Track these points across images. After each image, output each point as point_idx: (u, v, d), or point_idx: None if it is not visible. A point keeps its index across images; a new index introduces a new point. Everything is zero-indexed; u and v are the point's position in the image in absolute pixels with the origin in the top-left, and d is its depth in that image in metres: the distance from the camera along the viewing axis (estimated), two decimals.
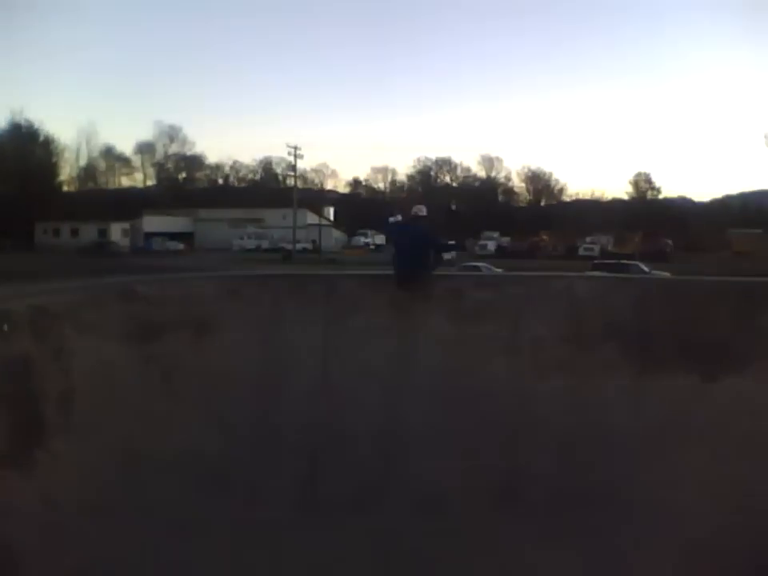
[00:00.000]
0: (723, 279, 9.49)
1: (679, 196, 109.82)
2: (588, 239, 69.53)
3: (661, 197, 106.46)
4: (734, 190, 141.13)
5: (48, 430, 6.45)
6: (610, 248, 63.42)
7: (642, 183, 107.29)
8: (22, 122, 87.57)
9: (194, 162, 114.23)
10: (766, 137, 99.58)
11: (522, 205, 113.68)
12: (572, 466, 7.24)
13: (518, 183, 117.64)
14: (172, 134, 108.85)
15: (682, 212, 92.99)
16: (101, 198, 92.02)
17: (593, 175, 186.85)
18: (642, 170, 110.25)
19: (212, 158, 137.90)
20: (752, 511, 6.51)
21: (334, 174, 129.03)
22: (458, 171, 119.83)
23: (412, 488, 6.82)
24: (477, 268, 34.60)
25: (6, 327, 6.76)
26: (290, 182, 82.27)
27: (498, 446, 7.48)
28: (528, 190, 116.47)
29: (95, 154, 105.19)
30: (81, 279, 12.20)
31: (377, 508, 6.51)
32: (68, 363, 7.11)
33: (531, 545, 5.92)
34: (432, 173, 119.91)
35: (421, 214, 9.53)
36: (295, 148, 68.14)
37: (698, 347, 7.97)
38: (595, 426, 7.58)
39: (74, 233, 77.77)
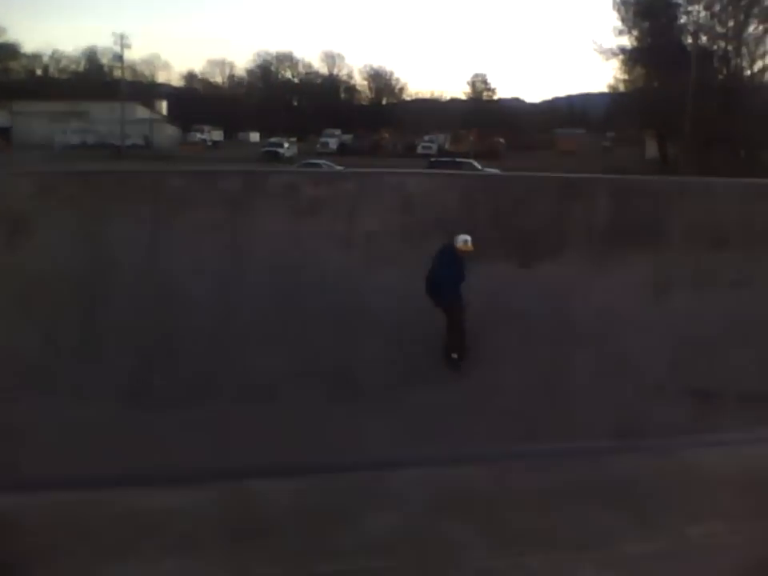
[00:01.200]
0: (540, 175, 10.09)
1: (513, 97, 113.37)
2: (426, 138, 70.55)
3: (496, 98, 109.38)
4: (563, 92, 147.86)
5: None
6: (447, 146, 64.83)
7: (479, 84, 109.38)
8: None
9: (7, 51, 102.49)
10: (594, 42, 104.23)
11: (363, 103, 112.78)
12: (400, 350, 7.63)
13: (359, 81, 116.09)
14: None
15: (514, 113, 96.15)
16: None
17: (433, 76, 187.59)
18: (480, 72, 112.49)
19: (29, 47, 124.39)
20: (558, 385, 7.26)
21: (166, 65, 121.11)
22: (300, 67, 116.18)
23: (248, 378, 6.93)
24: (317, 165, 34.28)
25: None
26: (118, 73, 76.34)
27: (332, 335, 7.72)
28: (370, 89, 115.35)
29: None
30: None
31: (211, 398, 6.58)
32: None
33: (362, 419, 6.27)
34: (272, 68, 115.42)
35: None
36: (122, 36, 63.06)
37: (517, 237, 8.53)
38: (423, 313, 7.98)
39: None
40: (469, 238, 7.77)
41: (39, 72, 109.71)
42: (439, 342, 7.77)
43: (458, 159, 38.23)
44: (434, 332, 7.77)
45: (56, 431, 5.92)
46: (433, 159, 40.20)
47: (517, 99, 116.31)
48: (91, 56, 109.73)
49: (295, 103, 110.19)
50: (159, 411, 6.34)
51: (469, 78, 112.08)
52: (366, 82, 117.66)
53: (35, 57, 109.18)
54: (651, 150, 56.13)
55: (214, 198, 8.74)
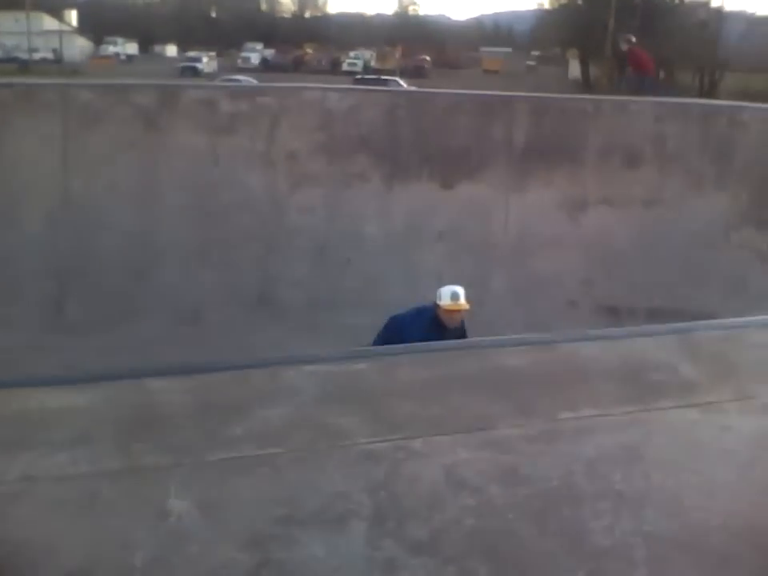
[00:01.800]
0: (464, 93, 10.04)
1: (439, 14, 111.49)
2: (352, 54, 68.98)
3: (422, 14, 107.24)
4: (488, 10, 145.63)
5: None
6: (372, 64, 63.61)
7: None
8: None
9: None
10: None
11: (286, 16, 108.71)
12: (324, 271, 7.67)
13: None
14: None
15: (440, 30, 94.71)
16: None
17: None
18: None
19: None
20: (475, 302, 7.46)
21: None
22: None
23: (166, 302, 6.85)
24: (237, 81, 33.10)
25: None
26: None
27: (255, 256, 7.68)
28: (292, 1, 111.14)
29: None
30: None
31: (132, 322, 6.51)
32: None
33: (283, 339, 6.33)
34: None
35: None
36: None
37: (440, 157, 8.55)
38: (347, 234, 8.01)
39: None
40: (461, 291, 4.83)
41: None
42: (366, 262, 7.77)
43: (383, 77, 37.63)
44: (358, 254, 7.82)
45: None
46: (358, 77, 39.43)
47: (443, 16, 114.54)
48: None
49: (213, 15, 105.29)
50: (79, 336, 6.23)
51: None
52: None
53: None
54: (574, 70, 56.55)
55: (126, 113, 8.37)
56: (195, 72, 48.80)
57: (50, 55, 61.07)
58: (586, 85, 48.25)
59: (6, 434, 1.31)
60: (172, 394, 1.52)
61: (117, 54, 71.41)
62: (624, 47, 12.93)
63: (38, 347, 6.05)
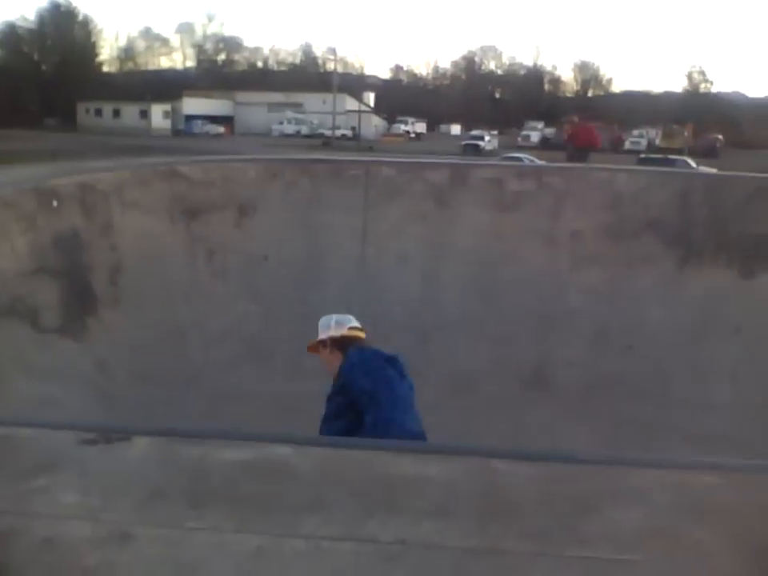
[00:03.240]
0: (766, 176, 9.25)
1: (733, 91, 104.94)
2: (635, 132, 67.26)
3: (714, 91, 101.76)
4: None
5: (99, 302, 6.77)
6: (657, 142, 61.38)
7: (696, 76, 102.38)
8: (61, 2, 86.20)
9: (232, 44, 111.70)
10: None
11: (568, 95, 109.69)
12: (604, 355, 7.41)
13: (565, 73, 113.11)
14: (211, 14, 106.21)
15: (734, 107, 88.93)
16: (140, 79, 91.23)
17: (644, 68, 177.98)
18: (697, 63, 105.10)
19: (251, 41, 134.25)
20: None
21: (375, 58, 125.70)
22: (504, 59, 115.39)
23: (443, 369, 7.07)
24: (518, 159, 33.87)
25: (55, 203, 6.99)
26: (331, 66, 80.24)
27: (532, 333, 7.66)
28: (576, 80, 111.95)
29: (134, 34, 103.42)
30: (125, 159, 12.34)
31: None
32: (115, 239, 7.37)
33: (558, 425, 6.17)
34: (476, 59, 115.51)
35: None
36: (335, 31, 66.37)
37: (738, 243, 7.92)
38: (630, 318, 7.69)
39: (116, 113, 77.58)
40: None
41: (260, 64, 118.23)
42: (650, 350, 7.37)
43: (670, 156, 35.99)
44: (641, 342, 7.45)
45: (268, 400, 6.42)
46: (642, 156, 38.16)
47: (738, 93, 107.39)
48: (306, 49, 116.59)
49: (498, 95, 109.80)
50: None
51: (684, 70, 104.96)
52: (571, 74, 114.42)
53: (256, 50, 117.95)
54: None
55: (420, 188, 8.96)
56: (477, 149, 50.88)
57: (348, 132, 67.81)
58: None
59: (379, 496, 1.43)
60: (518, 478, 1.54)
61: (407, 132, 76.99)
62: None
63: (324, 398, 6.55)
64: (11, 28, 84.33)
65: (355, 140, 60.07)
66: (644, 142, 60.88)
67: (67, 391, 5.37)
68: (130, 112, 76.71)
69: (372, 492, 1.46)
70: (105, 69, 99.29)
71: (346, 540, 1.29)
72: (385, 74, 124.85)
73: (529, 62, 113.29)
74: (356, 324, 3.68)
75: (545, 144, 62.67)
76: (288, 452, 1.61)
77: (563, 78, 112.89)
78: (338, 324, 3.61)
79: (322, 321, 3.69)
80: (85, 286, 6.71)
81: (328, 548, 1.27)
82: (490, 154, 46.88)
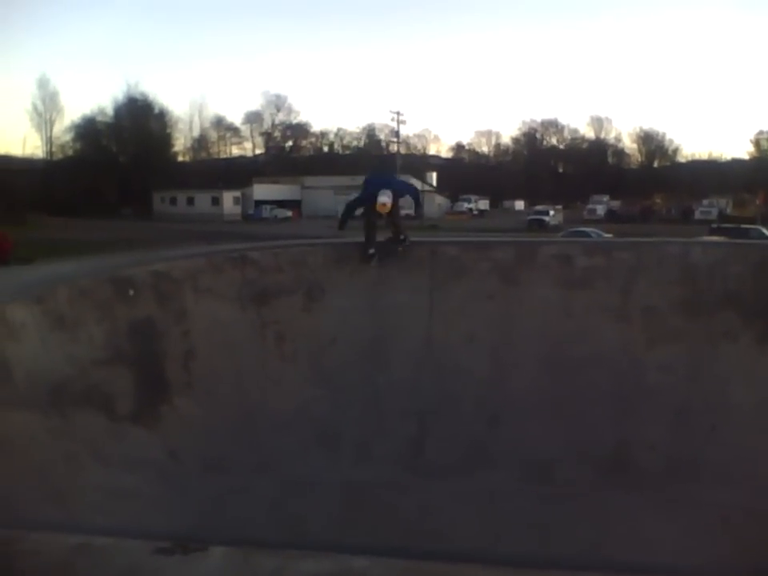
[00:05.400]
0: None
1: None
2: (705, 202, 66.13)
3: None
4: None
5: (172, 388, 6.88)
6: (728, 211, 60.05)
7: (764, 142, 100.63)
8: (138, 95, 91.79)
9: (299, 130, 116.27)
10: None
11: (633, 167, 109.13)
12: (685, 437, 7.04)
13: (628, 144, 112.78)
14: (278, 103, 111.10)
15: None
16: (212, 167, 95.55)
17: (710, 136, 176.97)
18: (765, 129, 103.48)
19: (317, 125, 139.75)
20: None
21: (436, 138, 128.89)
22: (565, 133, 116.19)
23: (518, 453, 6.83)
24: (585, 233, 33.58)
25: (131, 292, 7.23)
26: (394, 148, 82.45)
27: (607, 414, 7.36)
28: (640, 151, 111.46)
29: (207, 124, 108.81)
30: (198, 246, 12.76)
31: (483, 471, 6.58)
32: (188, 325, 7.54)
33: (640, 513, 5.82)
34: (538, 135, 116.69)
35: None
36: (398, 114, 68.70)
37: None
38: (710, 397, 7.33)
39: (190, 201, 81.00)
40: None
41: (326, 148, 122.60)
42: (737, 436, 6.95)
43: (743, 226, 35.12)
44: (724, 422, 7.06)
45: (337, 488, 6.31)
46: (714, 226, 37.34)
47: None
48: (370, 132, 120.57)
49: (560, 170, 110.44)
50: (435, 478, 6.47)
51: (752, 136, 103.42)
52: (635, 145, 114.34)
53: (322, 134, 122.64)
54: None
55: (486, 267, 8.92)
56: (542, 224, 50.82)
57: (411, 212, 68.45)
58: None
59: None
60: None
61: (470, 210, 77.75)
62: None
63: (396, 485, 6.40)
64: (90, 122, 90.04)
65: (419, 219, 60.85)
66: (714, 212, 59.70)
67: (140, 481, 5.40)
68: (202, 199, 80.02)
69: None
70: (179, 158, 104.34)
71: None
72: (447, 152, 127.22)
73: (591, 135, 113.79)
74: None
75: (611, 217, 62.17)
76: (366, 564, 1.52)
77: (627, 150, 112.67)
78: None
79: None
80: (158, 373, 6.85)
81: None
82: (555, 228, 46.64)
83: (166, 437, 6.25)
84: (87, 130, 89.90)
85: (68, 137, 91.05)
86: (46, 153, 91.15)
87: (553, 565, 1.57)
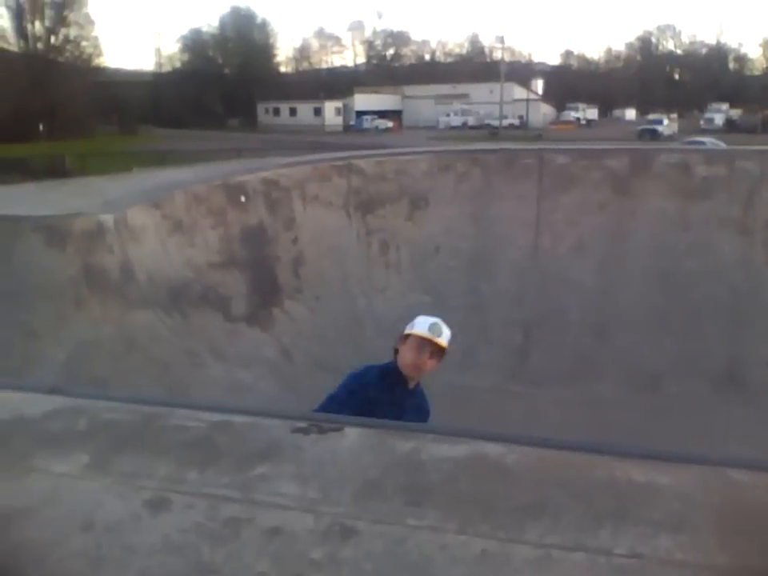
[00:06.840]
0: None
1: None
2: None
3: None
4: None
5: (283, 292, 7.11)
6: None
7: None
8: (241, 6, 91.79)
9: (401, 39, 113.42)
10: None
11: (756, 73, 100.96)
12: None
13: (752, 49, 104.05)
14: (380, 11, 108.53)
15: None
16: (314, 78, 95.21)
17: None
18: None
19: (419, 35, 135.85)
20: None
21: (543, 44, 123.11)
22: (683, 38, 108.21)
23: (625, 365, 6.73)
24: (701, 143, 31.63)
25: (243, 199, 7.41)
26: (498, 55, 79.39)
27: (721, 329, 7.10)
28: (764, 57, 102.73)
29: (308, 34, 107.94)
30: (303, 155, 12.86)
31: (589, 381, 6.54)
32: (297, 232, 7.70)
33: (755, 429, 5.65)
34: (653, 39, 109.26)
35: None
36: (502, 21, 65.59)
37: None
38: None
39: (293, 112, 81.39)
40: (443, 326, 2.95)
41: (427, 57, 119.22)
42: None
43: None
44: None
45: (442, 391, 6.42)
46: None
47: None
48: (474, 40, 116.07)
49: (676, 77, 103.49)
50: (539, 386, 6.49)
51: None
52: (759, 49, 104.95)
53: (424, 43, 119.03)
54: None
55: (597, 176, 8.59)
56: (655, 135, 48.17)
57: (516, 121, 66.65)
58: None
59: (607, 503, 1.34)
60: (760, 491, 1.39)
61: (577, 119, 74.44)
62: None
63: (501, 392, 6.46)
64: (197, 34, 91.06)
65: (523, 129, 59.08)
66: None
67: (256, 377, 5.67)
68: (305, 110, 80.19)
69: (598, 499, 1.36)
70: (281, 69, 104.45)
71: (578, 550, 1.21)
72: (554, 59, 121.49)
73: (711, 40, 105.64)
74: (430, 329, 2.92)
75: (730, 127, 58.15)
76: (502, 450, 1.55)
77: (750, 56, 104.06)
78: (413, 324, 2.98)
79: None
80: (270, 278, 7.07)
81: (558, 558, 1.20)
82: (669, 139, 44.05)
83: (279, 337, 6.49)
84: (194, 41, 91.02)
85: (175, 49, 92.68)
86: (156, 65, 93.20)
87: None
